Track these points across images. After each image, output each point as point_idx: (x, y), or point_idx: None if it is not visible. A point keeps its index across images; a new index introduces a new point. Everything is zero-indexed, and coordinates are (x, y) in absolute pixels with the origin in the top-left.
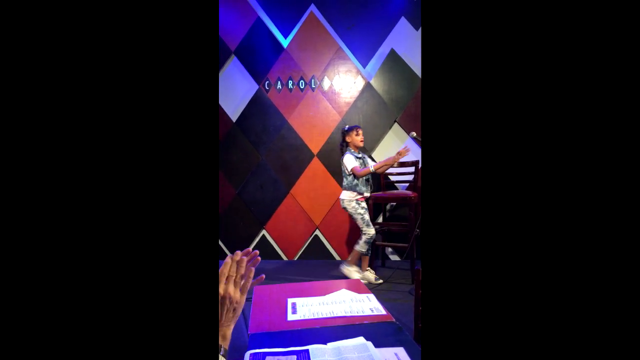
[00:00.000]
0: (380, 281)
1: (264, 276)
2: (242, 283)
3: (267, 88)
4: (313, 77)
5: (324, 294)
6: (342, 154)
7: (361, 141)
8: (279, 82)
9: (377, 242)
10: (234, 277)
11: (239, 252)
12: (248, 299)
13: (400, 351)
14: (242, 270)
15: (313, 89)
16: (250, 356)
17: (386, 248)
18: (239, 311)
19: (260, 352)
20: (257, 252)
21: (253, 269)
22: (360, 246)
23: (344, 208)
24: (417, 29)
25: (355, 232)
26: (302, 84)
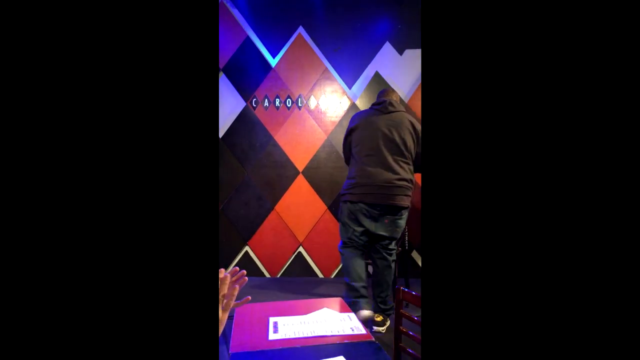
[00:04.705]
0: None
1: (249, 298)
2: (224, 301)
3: (254, 105)
4: (300, 96)
5: (306, 313)
6: None
7: None
8: (266, 99)
9: None
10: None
11: (222, 270)
12: (230, 317)
13: None
14: (225, 289)
15: (300, 108)
16: None
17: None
18: (221, 329)
19: None
20: (245, 272)
21: (237, 287)
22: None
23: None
24: (400, 54)
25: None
26: (289, 103)
